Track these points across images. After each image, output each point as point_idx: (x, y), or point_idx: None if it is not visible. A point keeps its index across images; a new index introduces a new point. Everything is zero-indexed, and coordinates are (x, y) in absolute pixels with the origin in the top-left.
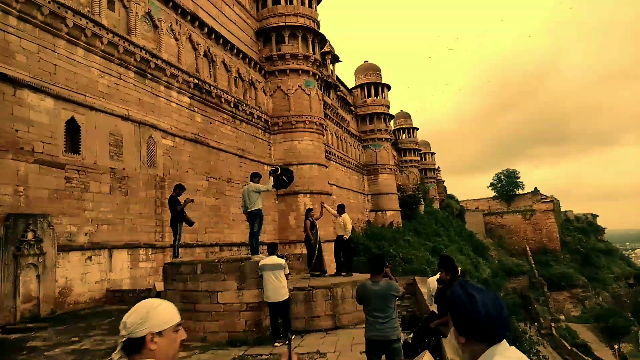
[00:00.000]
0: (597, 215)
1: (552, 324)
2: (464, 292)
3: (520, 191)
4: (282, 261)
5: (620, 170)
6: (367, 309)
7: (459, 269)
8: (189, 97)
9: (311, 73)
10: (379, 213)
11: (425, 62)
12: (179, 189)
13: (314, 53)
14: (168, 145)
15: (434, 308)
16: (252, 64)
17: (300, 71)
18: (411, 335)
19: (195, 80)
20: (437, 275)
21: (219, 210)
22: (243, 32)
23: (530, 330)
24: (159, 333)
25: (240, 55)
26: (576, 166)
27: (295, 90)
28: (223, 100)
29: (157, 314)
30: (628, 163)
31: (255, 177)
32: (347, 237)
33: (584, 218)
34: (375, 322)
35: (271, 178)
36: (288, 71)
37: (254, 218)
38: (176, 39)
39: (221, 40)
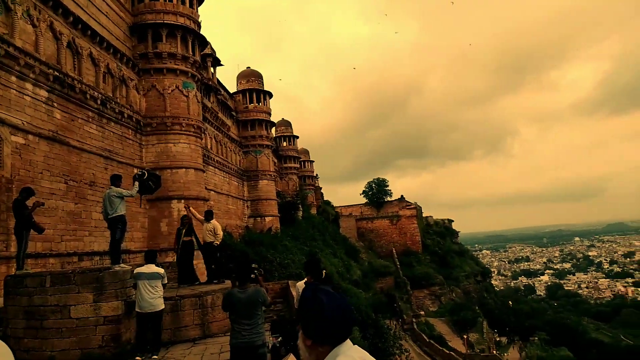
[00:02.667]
0: (453, 221)
1: (414, 319)
2: (313, 295)
3: (389, 198)
4: (161, 271)
5: (469, 182)
6: (233, 317)
7: (324, 272)
8: (48, 91)
9: (190, 74)
10: (258, 219)
11: (307, 71)
12: (26, 192)
13: (193, 54)
14: (19, 142)
15: None
16: (125, 60)
17: (178, 71)
18: (280, 338)
19: (56, 73)
20: (306, 279)
21: (79, 216)
22: (115, 26)
23: (395, 326)
24: None
25: (111, 50)
26: (434, 177)
27: (172, 91)
28: (88, 97)
29: None
30: (476, 175)
31: (117, 180)
32: (218, 244)
33: (442, 223)
34: (241, 329)
35: (136, 183)
36: (165, 70)
37: (116, 225)
38: (34, 26)
39: (89, 32)
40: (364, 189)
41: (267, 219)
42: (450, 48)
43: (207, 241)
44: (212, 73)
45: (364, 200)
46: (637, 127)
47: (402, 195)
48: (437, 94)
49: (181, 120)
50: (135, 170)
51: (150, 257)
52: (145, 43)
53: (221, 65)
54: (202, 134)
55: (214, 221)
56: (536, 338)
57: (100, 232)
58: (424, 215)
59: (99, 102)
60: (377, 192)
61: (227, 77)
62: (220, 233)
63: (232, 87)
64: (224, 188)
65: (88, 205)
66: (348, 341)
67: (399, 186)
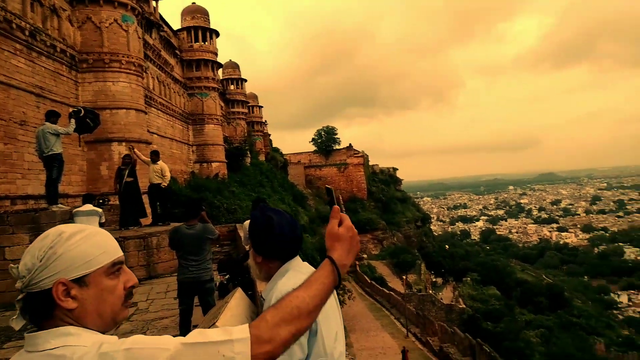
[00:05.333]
0: (397, 169)
1: (357, 262)
2: (262, 214)
3: (337, 146)
4: (98, 209)
5: (415, 132)
6: (181, 253)
7: None
8: None
9: (130, 7)
10: (204, 164)
11: (254, 10)
12: None
13: None
14: None
15: (249, 248)
16: None
17: (116, 3)
18: (227, 276)
19: None
20: None
21: (9, 157)
22: None
23: None
24: (79, 280)
25: None
26: (382, 126)
27: (109, 24)
28: (15, 27)
29: (70, 248)
30: (421, 125)
31: (53, 116)
32: (166, 185)
33: (387, 171)
34: (188, 265)
35: (72, 120)
36: (101, 1)
37: (52, 163)
38: None
39: None
40: (313, 136)
41: (214, 164)
42: None
43: (154, 183)
44: (153, 7)
45: (312, 148)
46: (574, 82)
47: (350, 144)
48: (387, 42)
49: (120, 57)
50: (71, 109)
51: (88, 199)
52: None
53: None
54: (144, 73)
55: (161, 162)
56: (468, 278)
57: (34, 175)
58: (370, 163)
59: (27, 33)
60: (326, 140)
61: (170, 12)
62: (168, 174)
63: (175, 23)
64: (167, 132)
65: (19, 146)
66: (297, 257)
67: (347, 134)
